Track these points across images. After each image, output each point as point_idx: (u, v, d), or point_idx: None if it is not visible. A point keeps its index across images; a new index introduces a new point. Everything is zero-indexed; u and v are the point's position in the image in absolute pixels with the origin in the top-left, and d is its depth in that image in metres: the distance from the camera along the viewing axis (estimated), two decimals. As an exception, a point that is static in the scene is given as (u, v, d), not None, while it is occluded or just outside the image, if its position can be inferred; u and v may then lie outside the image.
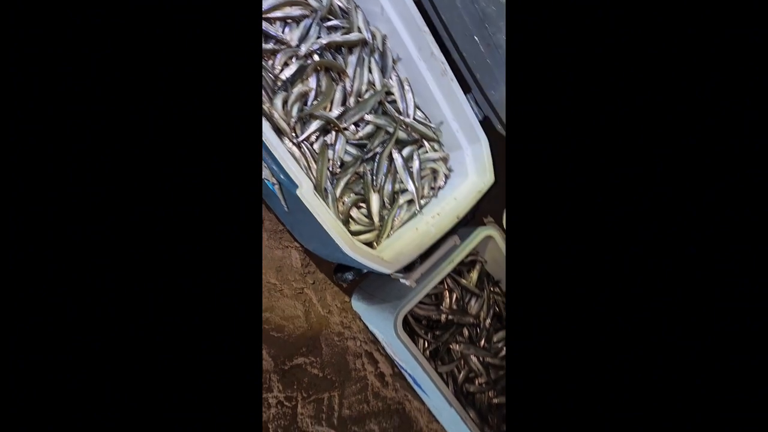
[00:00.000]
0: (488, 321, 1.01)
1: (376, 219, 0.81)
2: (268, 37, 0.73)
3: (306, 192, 0.64)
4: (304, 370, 1.06)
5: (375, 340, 1.13)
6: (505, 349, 1.02)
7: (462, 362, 0.98)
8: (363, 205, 0.81)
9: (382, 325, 0.92)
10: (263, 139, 0.62)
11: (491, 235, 0.93)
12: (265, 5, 0.71)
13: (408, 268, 0.81)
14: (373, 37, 0.82)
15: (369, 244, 0.79)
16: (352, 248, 0.67)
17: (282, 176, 0.66)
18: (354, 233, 0.78)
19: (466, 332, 1.00)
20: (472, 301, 1.01)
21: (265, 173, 0.74)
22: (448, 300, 0.99)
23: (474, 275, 1.02)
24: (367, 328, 1.11)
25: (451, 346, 0.96)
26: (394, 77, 0.85)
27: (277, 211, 0.95)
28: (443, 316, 0.97)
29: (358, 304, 1.06)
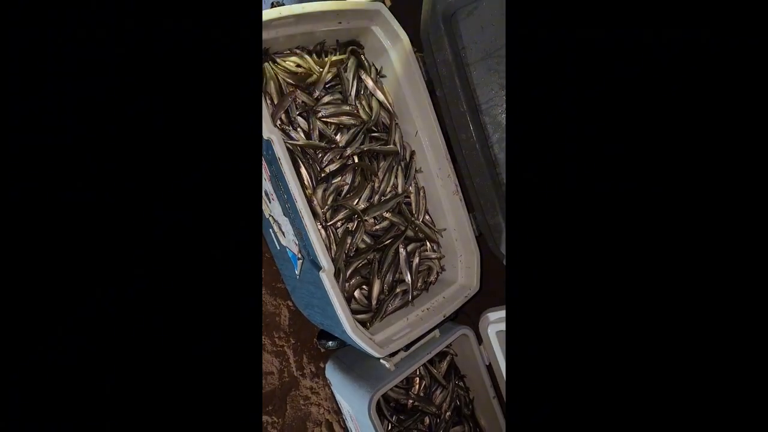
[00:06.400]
0: (448, 414, 1.08)
1: (374, 302, 0.91)
2: (323, 136, 0.88)
3: (327, 274, 0.74)
4: (264, 430, 1.08)
5: (338, 411, 1.16)
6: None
7: (419, 450, 1.03)
8: (365, 287, 0.92)
9: (353, 399, 0.97)
10: (304, 223, 0.74)
11: (466, 334, 1.05)
12: (326, 112, 0.87)
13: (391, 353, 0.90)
14: (404, 150, 0.99)
15: (363, 323, 0.88)
16: (354, 330, 0.76)
17: (309, 255, 0.77)
18: (353, 311, 0.87)
19: (427, 420, 1.06)
20: (438, 391, 1.09)
21: (291, 244, 0.85)
22: (417, 386, 1.06)
23: (444, 366, 1.11)
24: (333, 397, 1.15)
25: (411, 433, 1.02)
26: (413, 185, 1.00)
27: (282, 272, 1.03)
28: (410, 402, 1.04)
29: (332, 373, 1.11)
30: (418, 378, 1.07)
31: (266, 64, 0.80)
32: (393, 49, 0.92)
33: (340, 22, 0.84)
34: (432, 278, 1.03)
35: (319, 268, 0.75)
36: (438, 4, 0.89)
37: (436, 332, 0.98)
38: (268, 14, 0.72)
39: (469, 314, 1.16)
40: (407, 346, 0.90)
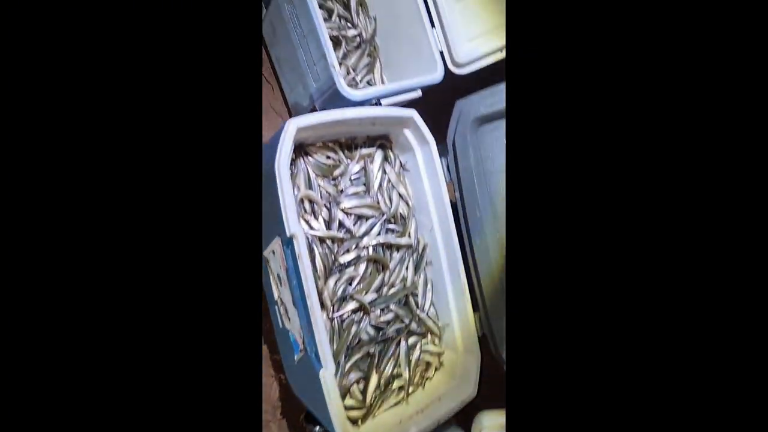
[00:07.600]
0: None
1: (368, 399, 0.89)
2: (341, 225, 0.90)
3: (327, 375, 0.73)
4: None
5: (313, 500, 1.10)
6: None
7: None
8: (362, 381, 0.90)
9: (332, 496, 0.92)
10: (311, 315, 0.74)
11: (458, 438, 1.01)
12: (349, 204, 0.90)
13: (379, 455, 0.87)
14: (418, 243, 1.01)
15: (354, 421, 0.86)
16: (345, 436, 0.74)
17: (312, 351, 0.76)
18: (346, 407, 0.85)
19: None
20: (421, 495, 1.03)
21: (295, 332, 0.84)
22: (400, 488, 1.01)
23: (430, 468, 1.06)
24: (310, 483, 1.09)
25: None
26: (422, 277, 1.01)
27: (281, 347, 1.02)
28: (391, 506, 0.98)
29: (314, 459, 1.06)
30: (402, 479, 1.01)
31: (299, 157, 0.84)
32: (420, 150, 0.97)
33: (374, 124, 0.89)
34: (430, 374, 1.01)
35: (319, 366, 0.74)
36: (467, 115, 0.94)
37: (428, 436, 0.95)
38: (310, 119, 0.76)
39: (465, 421, 1.13)
40: (396, 452, 0.87)
